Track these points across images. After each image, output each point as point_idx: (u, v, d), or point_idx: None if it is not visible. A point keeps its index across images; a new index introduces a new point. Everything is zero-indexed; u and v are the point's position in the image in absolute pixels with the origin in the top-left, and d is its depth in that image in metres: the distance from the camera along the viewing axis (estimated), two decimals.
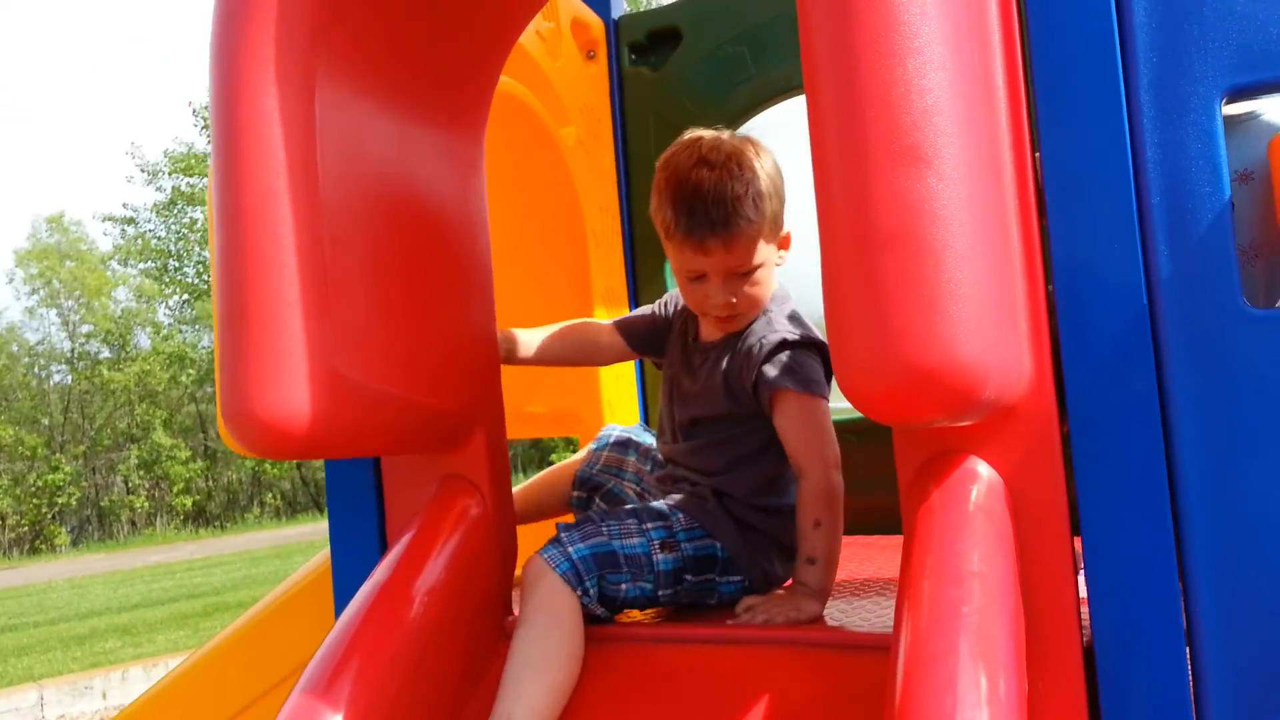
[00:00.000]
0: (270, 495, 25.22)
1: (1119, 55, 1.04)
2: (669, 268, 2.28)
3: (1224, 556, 1.04)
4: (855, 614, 1.29)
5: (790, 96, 2.18)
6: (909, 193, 0.78)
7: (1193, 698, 1.04)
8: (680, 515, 1.33)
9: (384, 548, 1.36)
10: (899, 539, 1.20)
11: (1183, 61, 1.04)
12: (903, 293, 0.78)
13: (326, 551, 1.86)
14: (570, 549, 1.26)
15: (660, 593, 1.30)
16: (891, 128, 0.78)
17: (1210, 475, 1.03)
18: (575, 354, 1.58)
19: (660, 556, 1.30)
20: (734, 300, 1.33)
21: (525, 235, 1.99)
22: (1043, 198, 1.06)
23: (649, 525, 1.31)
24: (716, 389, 1.37)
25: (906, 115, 0.79)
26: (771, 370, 1.30)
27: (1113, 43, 1.04)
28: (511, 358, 1.48)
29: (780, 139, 2.00)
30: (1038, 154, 1.08)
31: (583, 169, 2.07)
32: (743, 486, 1.35)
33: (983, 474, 1.04)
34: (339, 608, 1.38)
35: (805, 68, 0.84)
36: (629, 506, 1.39)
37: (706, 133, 1.37)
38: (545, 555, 1.27)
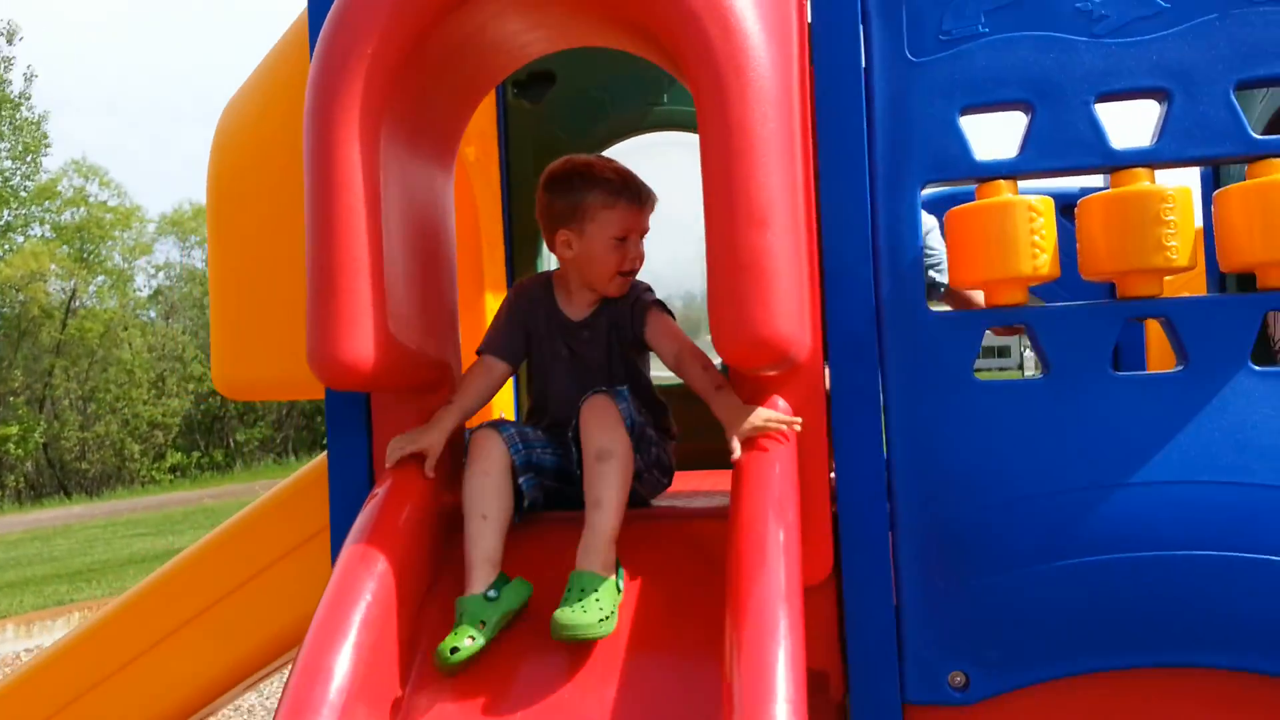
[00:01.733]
0: (12, 478, 23.39)
1: (866, 162, 1.76)
2: (541, 262, 2.92)
3: (911, 464, 1.77)
4: (699, 501, 1.99)
5: (638, 134, 2.85)
6: (758, 242, 1.46)
7: (890, 545, 1.78)
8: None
9: (371, 465, 1.90)
10: (716, 473, 1.92)
11: (901, 166, 1.77)
12: (753, 296, 1.46)
13: (294, 476, 2.36)
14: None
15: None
16: (750, 207, 1.46)
17: (905, 412, 1.76)
18: (491, 394, 1.97)
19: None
20: (640, 256, 1.93)
21: None
22: (822, 243, 1.77)
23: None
24: (616, 340, 1.94)
25: (758, 200, 1.46)
26: (648, 299, 1.94)
27: (863, 155, 1.76)
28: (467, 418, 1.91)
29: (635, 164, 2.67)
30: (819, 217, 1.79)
31: (479, 181, 2.64)
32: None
33: (782, 406, 1.74)
34: (334, 507, 1.90)
35: (703, 168, 1.50)
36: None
37: None
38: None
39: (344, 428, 1.90)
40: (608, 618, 1.60)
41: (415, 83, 1.67)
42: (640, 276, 2.01)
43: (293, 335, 2.03)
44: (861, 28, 1.78)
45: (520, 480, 1.81)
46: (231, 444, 30.44)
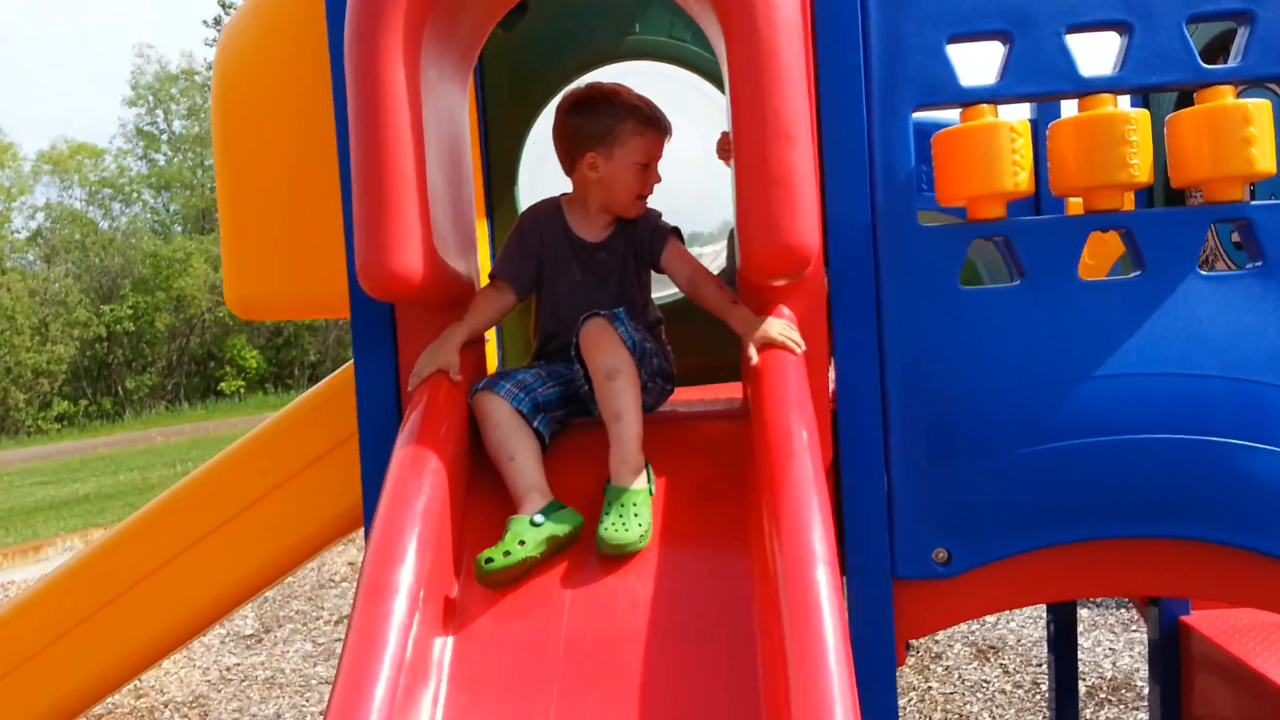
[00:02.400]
0: None
1: (863, 86, 1.91)
2: (519, 190, 3.00)
3: (903, 364, 1.95)
4: (700, 408, 2.15)
5: (610, 63, 2.94)
6: (786, 157, 1.60)
7: (883, 431, 1.97)
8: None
9: (397, 376, 1.99)
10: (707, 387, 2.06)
11: (894, 90, 1.92)
12: (783, 207, 1.61)
13: (318, 387, 2.43)
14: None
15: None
16: (779, 125, 1.60)
17: (898, 316, 1.94)
18: (499, 318, 2.10)
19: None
20: (657, 180, 2.07)
21: None
22: (823, 162, 1.92)
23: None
24: (630, 262, 2.09)
25: (786, 118, 1.60)
26: (666, 226, 2.09)
27: (860, 80, 1.91)
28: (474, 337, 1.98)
29: None
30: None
31: None
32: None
33: (788, 314, 1.90)
34: (363, 415, 1.99)
35: (733, 90, 1.62)
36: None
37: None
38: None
39: (371, 339, 1.98)
40: (647, 531, 1.74)
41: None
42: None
43: (308, 254, 2.10)
44: None
45: (535, 424, 1.89)
46: (120, 391, 29.37)
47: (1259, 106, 1.81)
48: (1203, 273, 1.89)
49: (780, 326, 1.84)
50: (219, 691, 5.12)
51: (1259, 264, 1.88)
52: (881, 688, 1.92)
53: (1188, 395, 1.89)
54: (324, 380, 2.37)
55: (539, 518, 1.73)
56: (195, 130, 33.37)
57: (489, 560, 1.68)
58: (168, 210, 33.97)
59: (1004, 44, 1.93)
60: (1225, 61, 1.94)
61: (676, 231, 2.11)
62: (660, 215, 2.11)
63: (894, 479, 1.95)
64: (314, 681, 5.11)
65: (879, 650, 1.96)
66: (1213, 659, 2.69)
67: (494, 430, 1.87)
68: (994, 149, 1.86)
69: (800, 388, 1.76)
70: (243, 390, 28.68)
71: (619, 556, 1.72)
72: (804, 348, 1.84)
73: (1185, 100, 2.50)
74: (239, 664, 5.45)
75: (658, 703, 1.52)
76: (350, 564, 7.57)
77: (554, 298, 2.09)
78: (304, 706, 4.85)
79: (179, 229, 32.90)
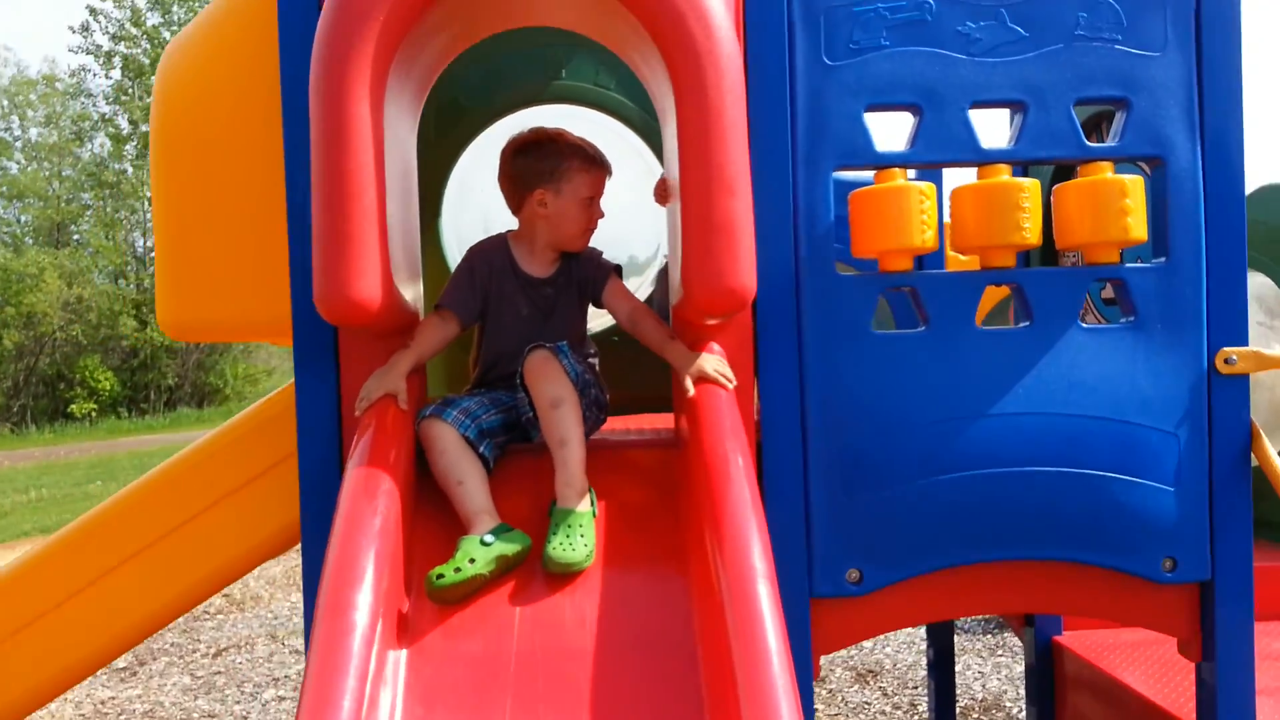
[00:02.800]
0: None
1: (790, 146, 2.09)
2: (441, 222, 3.07)
3: (821, 400, 2.12)
4: (631, 436, 2.27)
5: (533, 106, 3.05)
6: (729, 207, 1.75)
7: (803, 459, 2.13)
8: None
9: (339, 400, 2.04)
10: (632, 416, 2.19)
11: (817, 151, 2.10)
12: (725, 253, 1.75)
13: (241, 416, 2.43)
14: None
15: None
16: (723, 178, 1.75)
17: (816, 354, 2.11)
18: (443, 346, 2.15)
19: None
20: (601, 215, 2.20)
21: None
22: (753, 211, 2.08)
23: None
24: (573, 297, 2.22)
25: (729, 172, 1.75)
26: (609, 264, 2.22)
27: (787, 140, 2.08)
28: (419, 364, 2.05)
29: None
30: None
31: None
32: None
33: (719, 350, 2.05)
34: (303, 439, 2.02)
35: (681, 144, 1.76)
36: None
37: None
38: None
39: (313, 363, 2.03)
40: (592, 551, 1.85)
41: (419, 34, 1.82)
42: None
43: (247, 277, 2.14)
44: (787, 33, 2.09)
45: (480, 450, 1.99)
46: None
47: (1134, 182, 2.06)
48: (1083, 325, 2.13)
49: (714, 362, 1.99)
50: None
51: (1131, 319, 2.13)
52: (800, 699, 2.06)
53: (1069, 433, 2.11)
54: (254, 404, 2.39)
55: (489, 538, 1.81)
56: (53, 139, 31.73)
57: (440, 576, 1.75)
58: (19, 222, 32.09)
59: (914, 115, 2.14)
60: (1101, 139, 2.20)
61: (618, 269, 2.24)
62: (602, 253, 2.24)
63: (812, 504, 2.11)
64: (195, 715, 4.95)
65: (798, 664, 2.08)
66: (1083, 676, 2.95)
67: (441, 456, 1.94)
68: (905, 209, 2.06)
69: (734, 418, 1.90)
70: (94, 414, 27.18)
71: (566, 575, 1.81)
72: (735, 383, 1.99)
73: (1063, 171, 2.78)
74: (114, 697, 5.22)
75: (607, 714, 1.62)
76: (225, 596, 7.33)
77: (499, 329, 2.19)
78: None
79: (31, 242, 31.11)
